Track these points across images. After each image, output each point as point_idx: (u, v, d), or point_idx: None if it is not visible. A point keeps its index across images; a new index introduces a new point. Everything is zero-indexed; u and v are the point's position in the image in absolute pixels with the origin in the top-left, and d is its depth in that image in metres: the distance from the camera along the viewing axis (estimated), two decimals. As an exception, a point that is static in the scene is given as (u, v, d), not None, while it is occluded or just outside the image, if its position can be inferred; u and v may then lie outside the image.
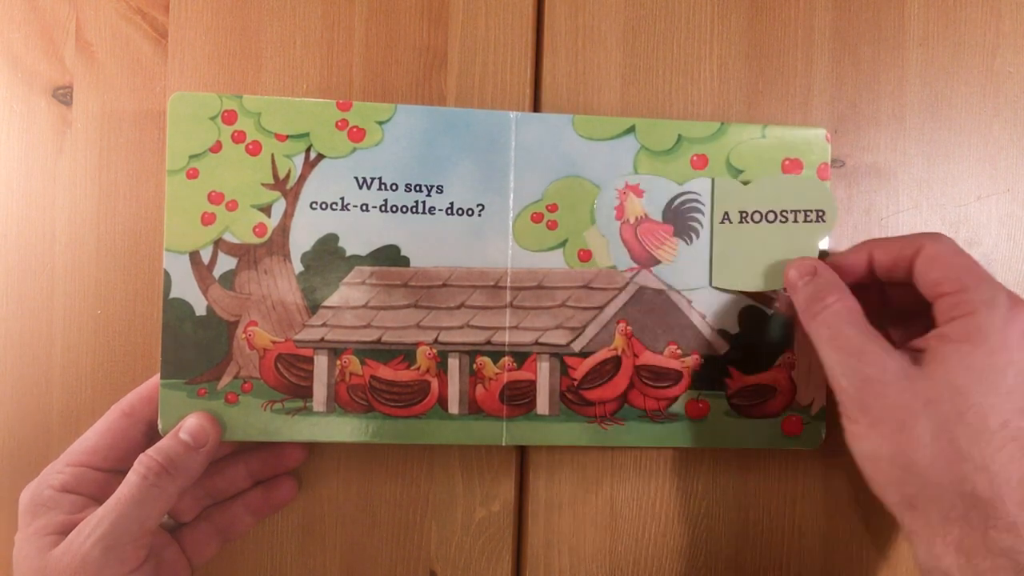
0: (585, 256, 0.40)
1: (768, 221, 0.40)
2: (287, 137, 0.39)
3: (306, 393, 0.39)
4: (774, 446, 0.41)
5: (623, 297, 0.40)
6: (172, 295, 0.39)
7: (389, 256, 0.40)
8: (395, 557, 0.42)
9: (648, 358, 0.40)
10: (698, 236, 0.41)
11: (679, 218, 0.41)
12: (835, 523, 0.43)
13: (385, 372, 0.39)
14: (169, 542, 0.39)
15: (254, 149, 0.39)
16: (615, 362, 0.40)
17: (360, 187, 0.39)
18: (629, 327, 0.40)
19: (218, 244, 0.39)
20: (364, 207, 0.39)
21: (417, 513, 0.42)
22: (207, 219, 0.39)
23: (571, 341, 0.40)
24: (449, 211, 0.40)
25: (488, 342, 0.40)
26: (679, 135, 0.41)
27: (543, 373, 0.40)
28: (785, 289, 0.39)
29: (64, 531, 0.35)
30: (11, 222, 0.41)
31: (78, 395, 0.41)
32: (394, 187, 0.40)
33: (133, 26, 0.42)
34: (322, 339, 0.39)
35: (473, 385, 0.40)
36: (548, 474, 0.42)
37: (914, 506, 0.33)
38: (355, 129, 0.39)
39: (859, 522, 0.43)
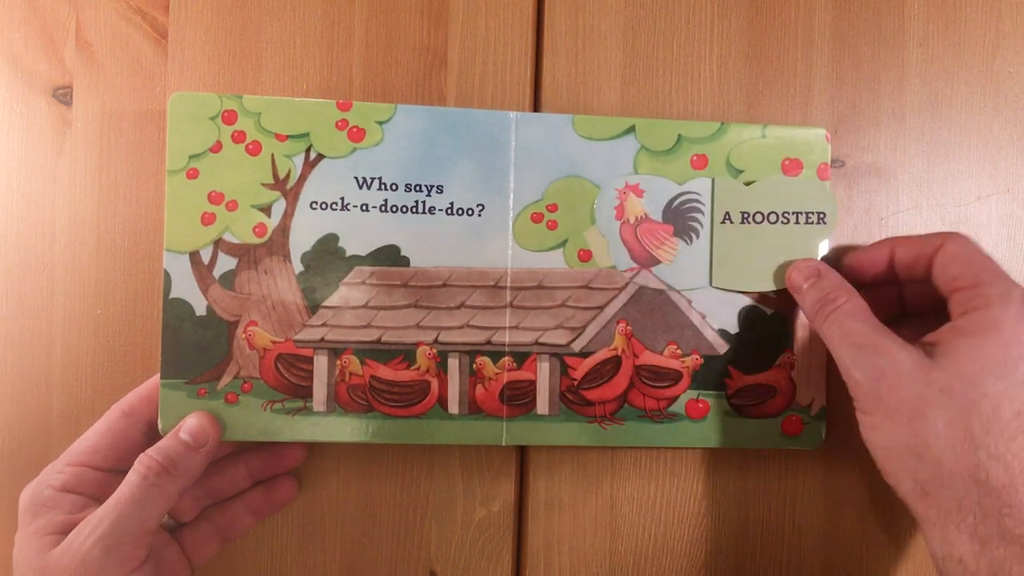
0: (585, 256, 0.40)
1: (770, 222, 0.40)
2: (287, 137, 0.39)
3: (306, 393, 0.39)
4: (774, 446, 0.41)
5: (623, 297, 0.40)
6: (172, 295, 0.39)
7: (389, 256, 0.40)
8: (395, 557, 0.42)
9: (648, 358, 0.40)
10: (698, 236, 0.41)
11: (679, 218, 0.41)
12: (835, 523, 0.43)
13: (385, 372, 0.39)
14: (169, 542, 0.39)
15: (254, 149, 0.39)
16: (615, 362, 0.40)
17: (360, 187, 0.39)
18: (629, 327, 0.40)
19: (218, 244, 0.39)
20: (364, 207, 0.39)
21: (417, 513, 0.42)
22: (207, 219, 0.39)
23: (571, 341, 0.40)
24: (449, 211, 0.40)
25: (488, 342, 0.40)
26: (679, 135, 0.41)
27: (543, 373, 0.40)
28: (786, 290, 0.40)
29: (64, 531, 0.35)
30: (11, 222, 0.41)
31: (78, 395, 0.41)
32: (394, 187, 0.40)
33: (133, 26, 0.42)
34: (322, 339, 0.39)
35: (473, 385, 0.40)
36: (548, 474, 0.42)
37: (927, 493, 0.33)
38: (355, 129, 0.39)
39: (859, 522, 0.43)
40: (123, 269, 0.41)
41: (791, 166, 0.41)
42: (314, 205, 0.39)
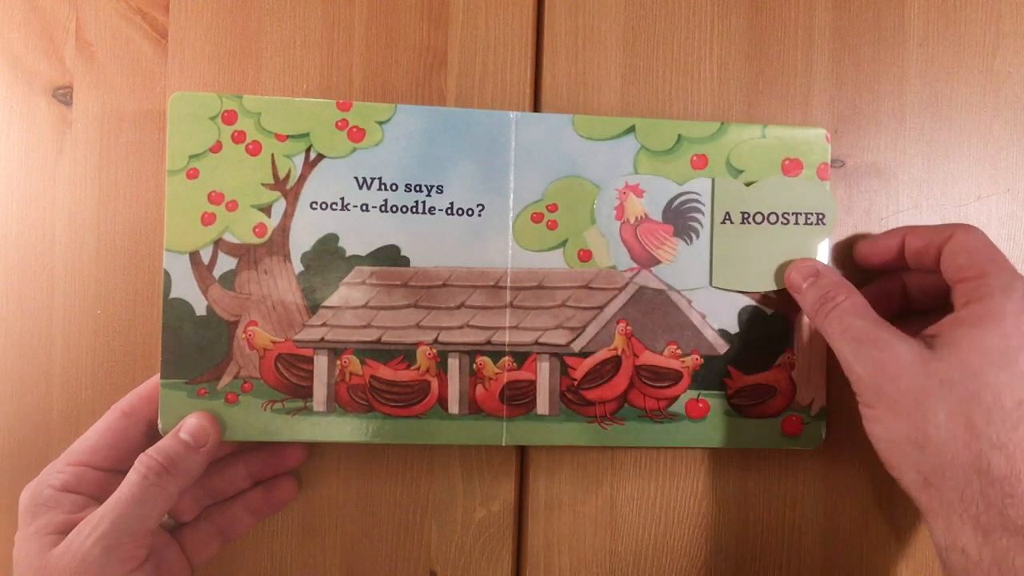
0: (585, 256, 0.40)
1: (770, 223, 0.40)
2: (287, 137, 0.39)
3: (306, 393, 0.39)
4: (774, 446, 0.41)
5: (623, 297, 0.40)
6: (172, 295, 0.39)
7: (389, 256, 0.40)
8: (395, 557, 0.42)
9: (648, 358, 0.40)
10: (698, 236, 0.41)
11: (679, 218, 0.41)
12: (835, 522, 0.43)
13: (385, 372, 0.39)
14: (169, 542, 0.39)
15: (254, 149, 0.39)
16: (615, 362, 0.40)
17: (360, 187, 0.39)
18: (629, 327, 0.40)
19: (218, 244, 0.39)
20: (364, 207, 0.39)
21: (417, 513, 0.42)
22: (207, 219, 0.39)
23: (571, 341, 0.40)
24: (449, 211, 0.40)
25: (488, 342, 0.40)
26: (679, 135, 0.41)
27: (543, 373, 0.40)
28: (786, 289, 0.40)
29: (64, 530, 0.35)
30: (11, 222, 0.41)
31: (78, 395, 0.41)
32: (394, 187, 0.40)
33: (133, 26, 0.42)
34: (322, 339, 0.39)
35: (473, 385, 0.40)
36: (548, 474, 0.42)
37: (930, 483, 0.33)
38: (355, 129, 0.39)
39: (859, 522, 0.43)
40: (123, 269, 0.41)
41: (791, 166, 0.41)
42: (314, 205, 0.39)
